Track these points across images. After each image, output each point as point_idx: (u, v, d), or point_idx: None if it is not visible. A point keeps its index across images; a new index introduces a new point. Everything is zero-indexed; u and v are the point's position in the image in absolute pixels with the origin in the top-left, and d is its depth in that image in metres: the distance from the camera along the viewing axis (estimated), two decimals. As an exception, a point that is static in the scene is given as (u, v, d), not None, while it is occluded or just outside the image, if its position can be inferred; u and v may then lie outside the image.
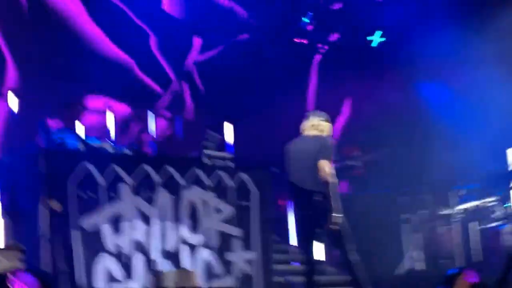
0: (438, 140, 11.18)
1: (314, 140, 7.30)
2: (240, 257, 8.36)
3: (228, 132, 8.82)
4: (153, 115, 9.79)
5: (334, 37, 12.36)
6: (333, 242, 7.33)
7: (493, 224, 10.51)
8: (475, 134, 10.82)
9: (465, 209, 10.26)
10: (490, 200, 10.60)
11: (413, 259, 10.20)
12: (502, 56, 11.04)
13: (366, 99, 12.19)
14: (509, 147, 13.09)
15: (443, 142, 11.13)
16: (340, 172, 11.14)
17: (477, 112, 10.92)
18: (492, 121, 10.78)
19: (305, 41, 12.05)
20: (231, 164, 8.56)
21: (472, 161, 10.67)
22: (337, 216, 7.01)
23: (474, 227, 10.04)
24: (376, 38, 12.16)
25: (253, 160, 9.02)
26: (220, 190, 8.36)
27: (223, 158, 8.56)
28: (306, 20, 11.93)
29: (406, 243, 10.35)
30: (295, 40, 11.98)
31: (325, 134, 7.44)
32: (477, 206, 10.46)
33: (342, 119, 12.52)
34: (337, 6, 12.09)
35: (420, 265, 10.13)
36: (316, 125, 7.40)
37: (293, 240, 10.37)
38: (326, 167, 7.05)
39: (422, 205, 10.29)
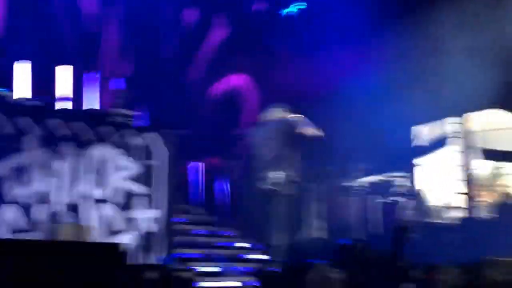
0: (345, 113, 11.40)
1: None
2: (144, 215, 8.42)
3: (140, 91, 8.83)
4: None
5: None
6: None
7: (394, 198, 10.90)
8: (381, 109, 11.06)
9: (367, 183, 10.57)
10: (391, 175, 10.98)
11: (314, 227, 10.44)
12: (413, 30, 11.29)
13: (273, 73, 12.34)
14: (414, 124, 13.58)
15: (350, 116, 11.36)
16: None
17: (384, 88, 11.17)
18: (398, 97, 11.06)
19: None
20: (141, 123, 8.58)
21: (376, 136, 10.94)
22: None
23: (374, 200, 10.37)
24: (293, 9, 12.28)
25: (164, 121, 9.03)
26: (128, 148, 8.38)
27: (133, 117, 8.56)
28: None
29: (308, 212, 10.58)
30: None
31: None
32: (379, 180, 10.80)
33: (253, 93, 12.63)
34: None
35: (319, 234, 10.38)
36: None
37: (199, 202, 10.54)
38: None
39: (326, 175, 10.51)
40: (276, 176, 7.94)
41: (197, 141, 10.92)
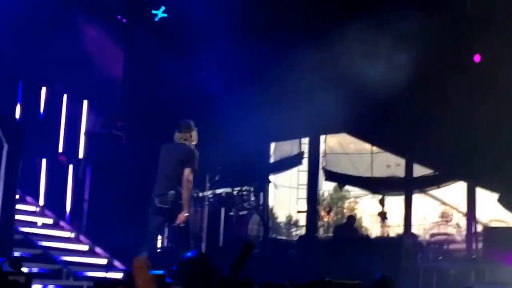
0: (207, 124, 11.35)
1: (181, 147, 7.62)
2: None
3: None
4: None
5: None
6: (180, 233, 7.64)
7: (244, 212, 10.94)
8: (243, 124, 11.07)
9: (219, 194, 10.55)
10: (244, 189, 11.02)
11: (166, 237, 10.32)
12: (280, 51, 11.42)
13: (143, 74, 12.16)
14: (272, 140, 13.75)
15: (211, 126, 11.32)
16: (106, 139, 11.12)
17: (249, 104, 11.21)
18: (259, 113, 11.15)
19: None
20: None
21: (234, 150, 10.94)
22: (186, 215, 7.52)
23: (227, 213, 10.36)
24: (160, 13, 12.09)
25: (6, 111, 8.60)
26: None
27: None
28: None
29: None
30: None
31: (192, 143, 7.72)
32: (232, 192, 10.83)
33: (114, 87, 12.32)
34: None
35: (171, 243, 10.25)
36: (184, 137, 7.68)
37: (42, 200, 10.12)
38: (190, 175, 7.47)
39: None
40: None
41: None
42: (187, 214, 7.58)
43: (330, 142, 13.62)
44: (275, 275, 7.92)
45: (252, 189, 11.39)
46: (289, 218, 14.63)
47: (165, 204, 7.61)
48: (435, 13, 10.48)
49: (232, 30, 11.31)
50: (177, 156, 7.64)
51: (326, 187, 14.06)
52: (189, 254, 6.38)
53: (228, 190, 10.65)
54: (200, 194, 10.29)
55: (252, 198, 11.48)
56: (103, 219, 10.06)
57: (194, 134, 7.85)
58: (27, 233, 9.15)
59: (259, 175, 12.35)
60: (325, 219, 13.56)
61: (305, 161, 13.28)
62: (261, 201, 12.14)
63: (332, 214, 13.50)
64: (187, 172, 7.54)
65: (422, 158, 12.20)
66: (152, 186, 7.75)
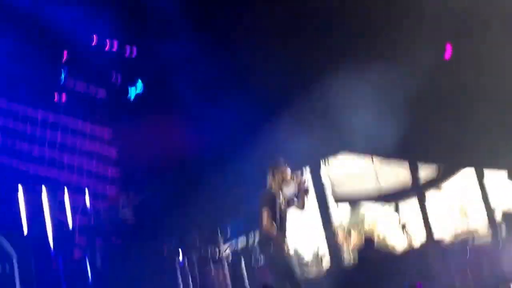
0: (206, 180, 11.36)
1: None
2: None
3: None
4: None
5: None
6: None
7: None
8: (245, 172, 11.07)
9: (233, 249, 10.51)
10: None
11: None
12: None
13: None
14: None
15: (211, 182, 11.33)
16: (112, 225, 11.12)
17: (247, 155, 11.22)
18: (263, 161, 11.16)
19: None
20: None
21: (240, 200, 10.92)
22: None
23: (242, 266, 10.31)
24: (134, 91, 12.16)
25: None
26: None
27: None
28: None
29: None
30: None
31: None
32: (244, 244, 10.79)
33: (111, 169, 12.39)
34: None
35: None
36: None
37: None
38: None
39: (192, 246, 10.39)
40: None
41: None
42: None
43: (330, 166, 13.55)
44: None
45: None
46: (315, 252, 14.45)
47: None
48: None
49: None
50: None
51: (340, 212, 13.93)
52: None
53: (243, 242, 10.61)
54: (214, 252, 10.26)
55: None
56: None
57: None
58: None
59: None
60: (350, 244, 13.42)
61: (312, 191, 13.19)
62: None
63: (352, 237, 13.37)
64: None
65: (424, 155, 12.14)
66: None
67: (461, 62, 10.63)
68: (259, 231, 7.90)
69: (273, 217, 7.75)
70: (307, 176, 13.09)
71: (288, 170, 8.03)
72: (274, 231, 7.73)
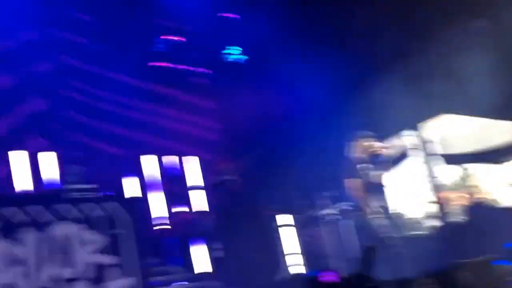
0: (301, 149, 11.52)
1: None
2: (119, 285, 8.37)
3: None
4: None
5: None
6: None
7: (365, 220, 10.93)
8: (334, 143, 11.16)
9: (336, 209, 10.61)
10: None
11: (292, 263, 10.46)
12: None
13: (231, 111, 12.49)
14: (379, 139, 13.67)
15: (306, 151, 11.48)
16: (220, 188, 11.43)
17: (333, 123, 11.28)
18: (350, 118, 11.19)
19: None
20: (97, 194, 8.60)
21: (334, 160, 11.02)
22: None
23: (347, 226, 10.41)
24: (235, 55, 12.39)
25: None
26: (90, 221, 8.36)
27: (88, 190, 8.58)
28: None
29: (284, 248, 10.61)
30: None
31: None
32: (347, 204, 10.87)
33: (212, 135, 12.70)
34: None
35: (299, 269, 10.38)
36: None
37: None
38: None
39: (294, 209, 10.56)
40: None
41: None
42: None
43: (435, 129, 13.41)
44: (412, 271, 7.93)
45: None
46: (421, 211, 14.41)
47: None
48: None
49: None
50: None
51: (447, 172, 13.79)
52: (311, 273, 6.56)
53: (343, 203, 10.69)
54: (317, 214, 10.41)
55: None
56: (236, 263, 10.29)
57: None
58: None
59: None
60: (456, 203, 13.27)
61: (415, 152, 13.13)
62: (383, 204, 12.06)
63: (459, 196, 13.22)
64: None
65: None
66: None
67: None
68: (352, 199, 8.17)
69: (362, 185, 8.01)
70: (404, 140, 13.10)
71: (375, 142, 8.27)
72: (364, 198, 7.99)
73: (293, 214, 10.59)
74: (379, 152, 8.15)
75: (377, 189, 8.11)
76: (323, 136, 11.32)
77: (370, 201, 7.97)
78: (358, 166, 8.04)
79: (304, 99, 11.82)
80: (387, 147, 8.16)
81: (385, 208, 11.58)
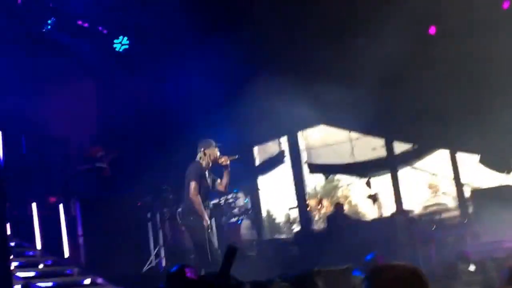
0: (175, 140, 11.54)
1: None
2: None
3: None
4: None
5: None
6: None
7: (234, 219, 11.11)
8: (223, 131, 11.23)
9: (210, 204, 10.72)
10: (231, 197, 11.19)
11: (159, 256, 10.49)
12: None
13: (108, 100, 12.38)
14: (256, 144, 13.93)
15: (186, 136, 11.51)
16: (89, 175, 11.31)
17: (224, 111, 11.37)
18: (238, 120, 11.33)
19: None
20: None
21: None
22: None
23: (218, 221, 10.54)
24: (121, 44, 12.23)
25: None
26: None
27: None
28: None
29: (153, 241, 10.64)
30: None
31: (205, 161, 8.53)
32: (221, 200, 11.00)
33: (88, 121, 12.53)
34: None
35: (165, 262, 10.41)
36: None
37: (38, 244, 10.32)
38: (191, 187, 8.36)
39: (164, 203, 10.58)
40: None
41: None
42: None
43: (309, 137, 13.80)
44: (275, 273, 8.08)
45: (238, 195, 11.57)
46: (287, 216, 14.80)
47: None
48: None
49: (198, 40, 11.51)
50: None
51: (317, 180, 14.22)
52: (173, 268, 6.60)
53: (215, 200, 10.80)
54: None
55: (241, 204, 11.65)
56: (100, 250, 10.26)
57: (206, 152, 8.47)
58: (28, 277, 9.35)
59: (246, 179, 12.52)
60: (321, 211, 13.74)
61: (288, 158, 13.48)
62: (250, 206, 12.30)
63: (325, 204, 13.66)
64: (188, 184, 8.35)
65: (400, 134, 12.39)
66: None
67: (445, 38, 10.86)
68: (185, 200, 8.44)
69: (199, 189, 8.33)
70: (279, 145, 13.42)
71: (217, 151, 8.60)
72: (198, 201, 8.27)
73: (161, 208, 10.63)
74: (220, 161, 8.47)
75: (210, 194, 8.55)
76: (196, 133, 11.37)
77: (206, 205, 8.35)
78: (199, 171, 8.35)
79: (186, 92, 11.84)
80: (226, 157, 8.47)
81: (249, 211, 11.87)
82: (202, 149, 8.61)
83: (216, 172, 8.81)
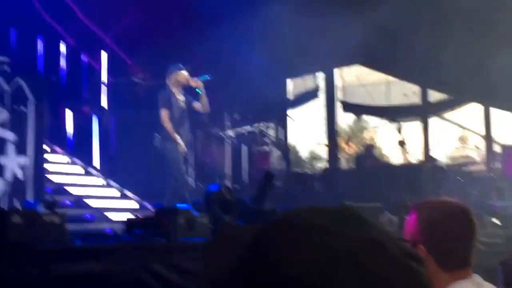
0: (215, 62, 11.49)
1: None
2: (13, 161, 8.30)
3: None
4: None
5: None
6: None
7: (265, 148, 11.23)
8: (254, 61, 11.18)
9: (240, 132, 10.81)
10: (264, 126, 11.28)
11: (189, 177, 10.59)
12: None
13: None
14: (289, 77, 13.90)
15: (220, 66, 11.49)
16: (126, 87, 11.34)
17: (259, 39, 11.28)
18: (270, 50, 11.23)
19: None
20: (7, 69, 8.41)
21: (250, 88, 11.13)
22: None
23: (247, 149, 10.63)
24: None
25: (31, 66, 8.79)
26: (-5, 93, 8.19)
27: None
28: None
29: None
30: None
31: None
32: (251, 130, 11.07)
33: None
34: None
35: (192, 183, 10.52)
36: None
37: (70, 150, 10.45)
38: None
39: (197, 125, 10.64)
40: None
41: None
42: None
43: (346, 75, 13.76)
44: (298, 205, 8.13)
45: (272, 125, 11.64)
46: (312, 152, 14.89)
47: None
48: None
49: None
50: None
51: (346, 120, 14.24)
52: (212, 187, 6.73)
53: (248, 127, 10.88)
54: (221, 133, 10.55)
55: (272, 134, 11.73)
56: (131, 164, 10.38)
57: (172, 78, 8.61)
58: (59, 183, 9.55)
59: (278, 111, 12.56)
60: (348, 151, 13.77)
61: (322, 94, 13.45)
62: (281, 137, 12.37)
63: (352, 144, 13.69)
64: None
65: (436, 83, 12.34)
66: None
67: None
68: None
69: (170, 115, 8.43)
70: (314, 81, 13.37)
71: (186, 74, 8.64)
72: (170, 128, 8.39)
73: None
74: (191, 83, 8.57)
75: (186, 120, 8.63)
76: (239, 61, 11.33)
77: (180, 131, 8.46)
78: (171, 97, 8.47)
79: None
80: (196, 78, 8.58)
81: (278, 142, 11.96)
82: (168, 76, 8.69)
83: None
